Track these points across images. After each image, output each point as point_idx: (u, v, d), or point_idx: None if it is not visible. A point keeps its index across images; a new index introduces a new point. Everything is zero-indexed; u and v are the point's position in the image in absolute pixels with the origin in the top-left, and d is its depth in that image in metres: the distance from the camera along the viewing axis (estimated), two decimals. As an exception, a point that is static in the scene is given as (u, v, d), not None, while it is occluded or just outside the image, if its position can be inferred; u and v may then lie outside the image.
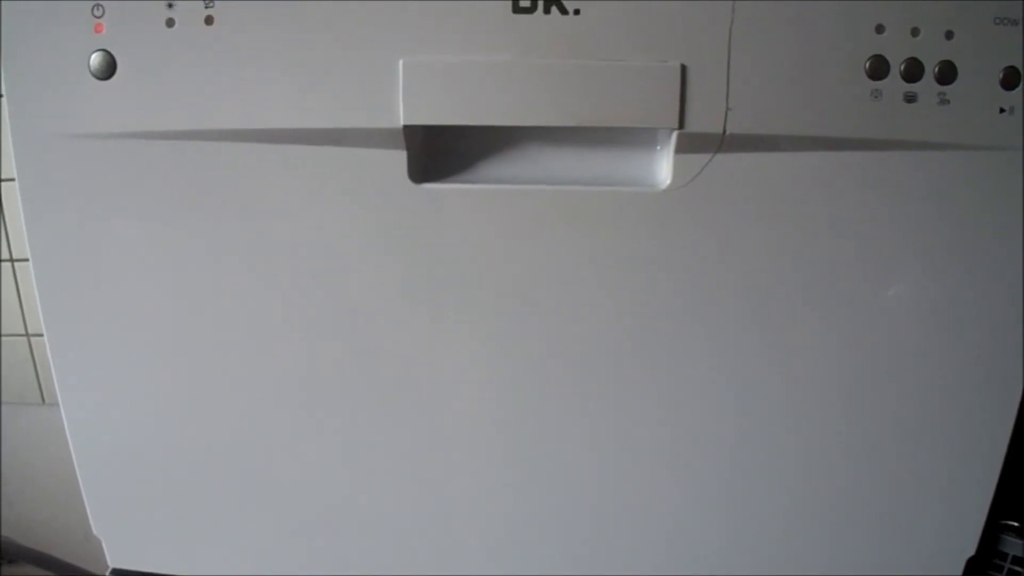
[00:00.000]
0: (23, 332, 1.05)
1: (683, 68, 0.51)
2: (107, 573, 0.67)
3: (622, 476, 0.62)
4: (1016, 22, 0.51)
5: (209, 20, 0.51)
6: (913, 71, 0.51)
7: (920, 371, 0.59)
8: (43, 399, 1.09)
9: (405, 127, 0.52)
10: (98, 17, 0.51)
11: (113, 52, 0.52)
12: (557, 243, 0.56)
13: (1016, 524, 0.72)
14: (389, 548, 0.65)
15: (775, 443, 0.61)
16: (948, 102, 0.52)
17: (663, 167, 0.55)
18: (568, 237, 0.55)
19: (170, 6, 0.51)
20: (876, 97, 0.52)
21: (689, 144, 0.53)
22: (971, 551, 0.64)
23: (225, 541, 0.65)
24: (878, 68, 0.51)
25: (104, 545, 0.65)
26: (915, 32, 0.51)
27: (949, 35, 0.51)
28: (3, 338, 1.06)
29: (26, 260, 0.99)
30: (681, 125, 0.52)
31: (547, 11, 0.50)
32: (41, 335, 0.60)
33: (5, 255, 1.03)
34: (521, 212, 0.55)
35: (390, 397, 0.60)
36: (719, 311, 0.57)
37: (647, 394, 0.60)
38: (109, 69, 0.52)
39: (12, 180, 0.94)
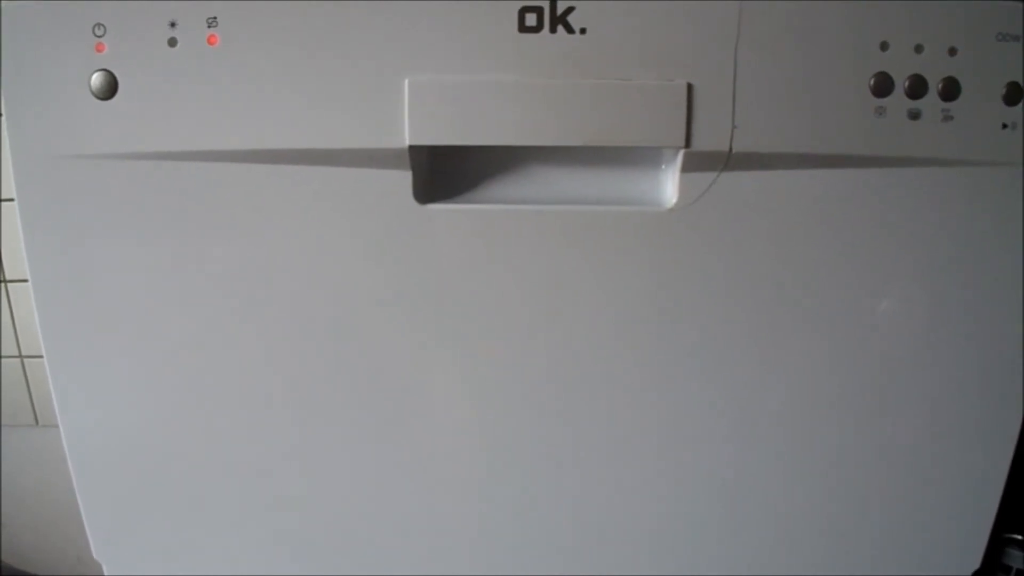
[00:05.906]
0: (16, 354, 1.04)
1: (689, 87, 0.51)
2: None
3: (631, 495, 0.62)
4: (1018, 38, 0.51)
5: (212, 40, 0.51)
6: (917, 88, 0.52)
7: (924, 386, 0.59)
8: (37, 421, 1.07)
9: (411, 147, 0.52)
10: (99, 36, 0.51)
11: (114, 72, 0.51)
12: (564, 263, 0.55)
13: (1020, 537, 0.72)
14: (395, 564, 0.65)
15: (782, 459, 0.61)
16: (952, 118, 0.52)
17: (669, 186, 0.55)
18: (575, 257, 0.55)
19: (172, 25, 0.50)
20: (880, 114, 0.52)
21: (695, 163, 0.53)
22: (976, 565, 0.64)
23: (228, 563, 0.64)
24: (882, 85, 0.51)
25: (104, 568, 0.64)
26: (919, 49, 0.51)
27: (952, 52, 0.51)
28: (-2, 359, 1.05)
29: (20, 281, 1.00)
30: (687, 144, 0.52)
31: (553, 30, 0.50)
32: (35, 356, 0.59)
33: (-1, 276, 1.02)
34: (527, 232, 0.55)
35: (396, 419, 0.60)
36: (725, 329, 0.57)
37: (654, 411, 0.59)
38: (110, 89, 0.51)
39: (6, 200, 0.95)
